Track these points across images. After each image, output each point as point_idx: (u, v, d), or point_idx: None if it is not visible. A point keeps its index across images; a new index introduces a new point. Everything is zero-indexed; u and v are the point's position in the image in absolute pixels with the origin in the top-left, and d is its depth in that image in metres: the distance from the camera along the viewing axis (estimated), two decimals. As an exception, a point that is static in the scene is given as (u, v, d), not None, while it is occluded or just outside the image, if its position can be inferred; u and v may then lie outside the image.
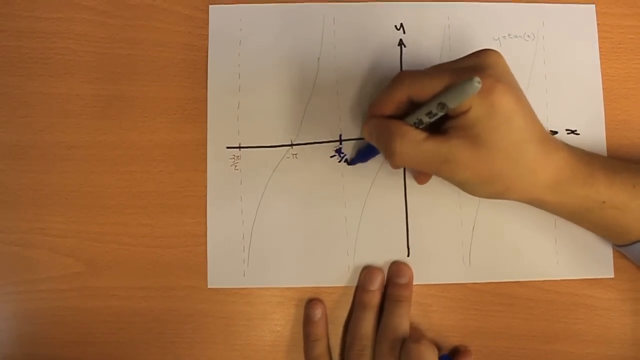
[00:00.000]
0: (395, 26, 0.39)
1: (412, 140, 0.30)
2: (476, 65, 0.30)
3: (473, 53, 0.31)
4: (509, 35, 0.39)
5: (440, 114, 0.29)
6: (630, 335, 0.37)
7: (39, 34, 0.38)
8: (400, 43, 0.39)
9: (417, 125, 0.31)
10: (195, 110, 0.38)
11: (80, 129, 0.38)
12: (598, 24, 0.39)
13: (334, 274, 0.37)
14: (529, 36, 0.39)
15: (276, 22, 0.39)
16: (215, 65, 0.38)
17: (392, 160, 0.31)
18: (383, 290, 0.37)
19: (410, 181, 0.38)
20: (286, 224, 0.38)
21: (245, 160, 0.38)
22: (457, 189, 0.37)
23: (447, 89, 0.29)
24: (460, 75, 0.29)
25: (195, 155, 0.38)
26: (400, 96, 0.31)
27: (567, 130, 0.38)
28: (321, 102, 0.38)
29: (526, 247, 0.38)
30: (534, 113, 0.31)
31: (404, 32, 0.39)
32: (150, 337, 0.37)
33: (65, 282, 0.37)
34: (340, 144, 0.38)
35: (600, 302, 0.37)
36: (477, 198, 0.37)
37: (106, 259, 0.37)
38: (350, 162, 0.38)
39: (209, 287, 0.37)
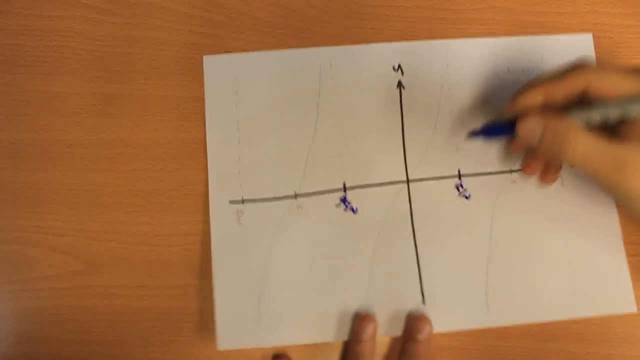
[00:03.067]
0: (394, 67, 0.39)
1: (587, 140, 0.28)
2: None
3: None
4: (508, 70, 0.39)
5: (618, 118, 0.28)
6: (631, 334, 0.37)
7: (38, 32, 0.38)
8: (399, 84, 0.38)
9: (586, 123, 0.29)
10: (194, 109, 0.38)
11: (79, 127, 0.38)
12: (595, 52, 0.39)
13: (347, 326, 0.36)
14: (528, 70, 0.39)
15: (272, 70, 0.38)
16: (212, 117, 0.38)
17: (562, 159, 0.29)
18: (375, 339, 0.36)
19: (418, 225, 0.37)
20: (294, 278, 0.37)
21: (249, 215, 0.37)
22: (466, 230, 0.36)
23: (632, 99, 0.27)
24: None
25: (194, 154, 0.38)
26: (579, 85, 0.29)
27: None
28: (323, 149, 0.38)
29: (543, 287, 0.36)
30: None
31: (402, 74, 0.38)
32: (149, 336, 0.37)
33: (64, 281, 0.37)
34: (345, 192, 0.38)
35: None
36: (487, 239, 0.37)
37: (105, 257, 0.37)
38: (471, 135, 0.36)
39: (218, 349, 0.36)
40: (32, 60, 0.38)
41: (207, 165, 0.38)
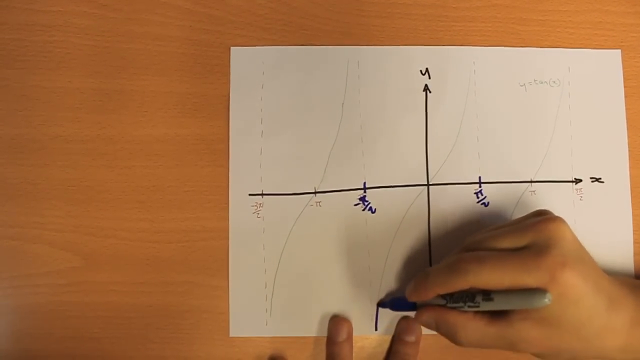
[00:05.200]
0: (421, 71, 0.38)
1: (475, 329, 0.30)
2: (540, 243, 0.29)
3: (537, 224, 0.30)
4: (534, 81, 0.38)
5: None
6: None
7: (38, 27, 0.38)
8: (426, 88, 0.38)
9: (470, 304, 0.30)
10: (195, 105, 0.38)
11: (79, 122, 0.38)
12: (623, 70, 0.39)
13: (357, 323, 0.37)
14: (554, 82, 0.38)
15: (299, 66, 0.38)
16: (237, 110, 0.38)
17: (458, 345, 0.32)
18: (352, 340, 0.36)
19: (434, 230, 0.37)
20: (309, 273, 0.37)
21: (268, 208, 0.37)
22: None
23: (515, 296, 0.29)
24: (526, 266, 0.28)
25: (195, 150, 0.38)
26: (463, 287, 0.30)
27: (591, 178, 0.38)
28: (345, 147, 0.38)
29: None
30: (600, 277, 0.30)
31: (430, 77, 0.38)
32: (148, 333, 0.37)
33: (63, 277, 0.37)
34: (364, 192, 0.38)
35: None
36: None
37: (104, 253, 0.37)
38: (379, 305, 0.37)
39: (230, 336, 0.37)
40: (31, 55, 0.38)
41: (208, 161, 0.38)
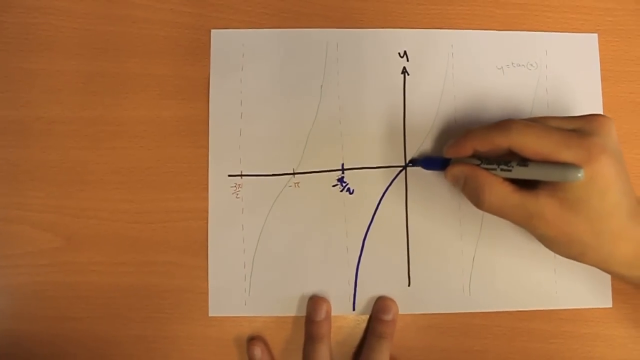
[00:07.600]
0: (399, 53, 0.39)
1: (500, 193, 0.31)
2: (586, 130, 0.30)
3: (588, 116, 0.31)
4: (512, 64, 0.39)
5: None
6: (606, 313, 0.38)
7: (19, 8, 0.38)
8: (404, 71, 0.39)
9: (504, 167, 0.31)
10: (175, 87, 0.38)
11: (61, 104, 0.38)
12: (600, 53, 0.39)
13: (335, 303, 0.37)
14: (532, 65, 0.39)
15: (279, 48, 0.38)
16: (216, 92, 0.38)
17: (479, 207, 0.32)
18: (330, 319, 0.37)
19: (412, 211, 0.38)
20: (288, 254, 0.37)
21: (247, 189, 0.38)
22: (457, 219, 0.37)
23: (549, 167, 0.29)
24: (568, 142, 0.29)
25: (176, 132, 0.38)
26: (502, 143, 0.31)
27: None
28: (323, 130, 0.38)
29: (525, 277, 0.37)
30: (629, 184, 0.31)
31: (408, 60, 0.39)
32: (129, 312, 0.37)
33: (45, 257, 0.37)
34: (342, 173, 0.38)
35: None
36: (477, 229, 0.38)
37: (86, 234, 0.37)
38: (410, 162, 0.38)
39: (210, 315, 0.37)
40: (12, 37, 0.38)
41: (188, 143, 0.38)
